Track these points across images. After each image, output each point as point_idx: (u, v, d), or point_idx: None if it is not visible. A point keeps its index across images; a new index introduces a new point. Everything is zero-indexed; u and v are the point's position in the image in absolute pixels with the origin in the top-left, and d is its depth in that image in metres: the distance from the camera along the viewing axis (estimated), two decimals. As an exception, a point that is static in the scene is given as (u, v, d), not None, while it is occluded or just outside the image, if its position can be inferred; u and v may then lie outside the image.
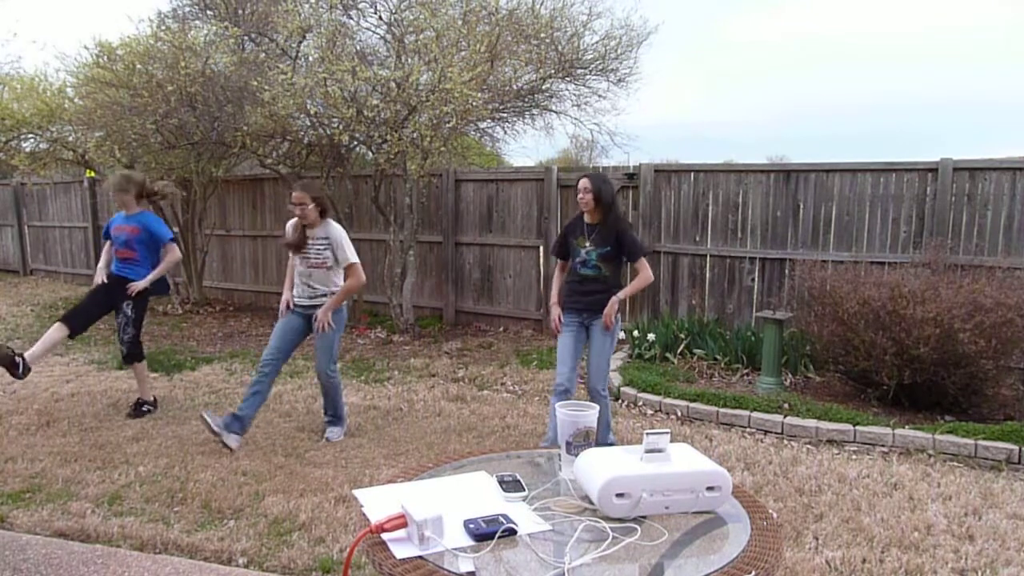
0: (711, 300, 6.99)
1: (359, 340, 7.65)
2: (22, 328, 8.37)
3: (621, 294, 4.12)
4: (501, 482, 1.86)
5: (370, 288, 8.90)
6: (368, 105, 6.67)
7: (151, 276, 4.89)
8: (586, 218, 4.22)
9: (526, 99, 8.74)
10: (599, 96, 9.03)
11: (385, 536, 1.59)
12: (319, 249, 4.37)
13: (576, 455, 1.90)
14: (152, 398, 5.15)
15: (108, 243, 5.04)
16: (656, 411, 5.24)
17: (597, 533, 1.63)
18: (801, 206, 6.53)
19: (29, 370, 4.62)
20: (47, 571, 2.95)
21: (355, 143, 7.72)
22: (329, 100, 6.72)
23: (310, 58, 7.80)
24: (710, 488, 1.75)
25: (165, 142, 7.98)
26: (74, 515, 3.44)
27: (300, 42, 7.83)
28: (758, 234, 6.74)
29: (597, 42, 8.51)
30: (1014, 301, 4.72)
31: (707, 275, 7.02)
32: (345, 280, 4.46)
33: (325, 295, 4.44)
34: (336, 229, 4.42)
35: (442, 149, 7.27)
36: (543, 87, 8.58)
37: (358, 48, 7.85)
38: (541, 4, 7.88)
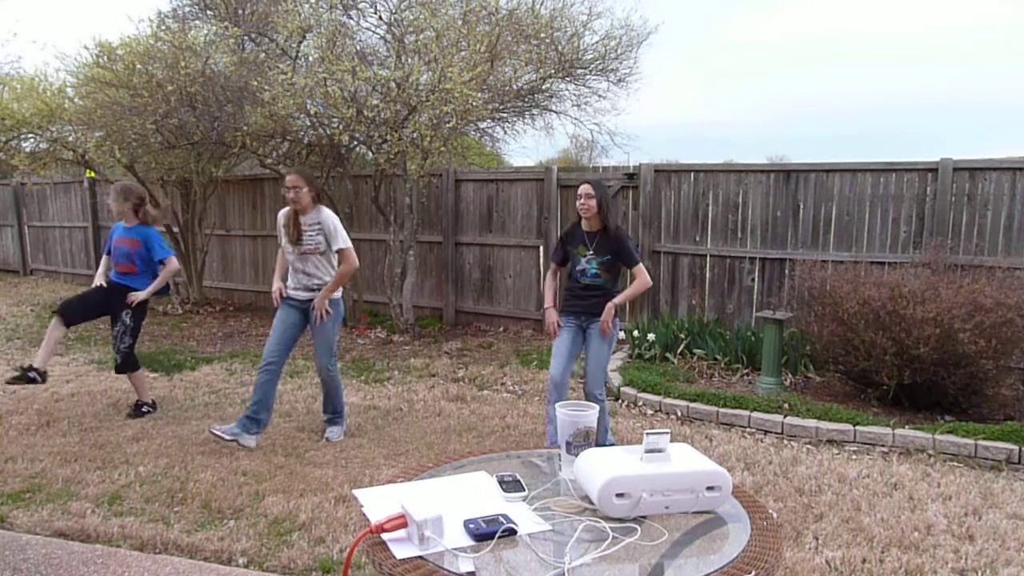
0: (711, 300, 6.99)
1: (359, 340, 7.65)
2: (22, 328, 8.38)
3: (618, 299, 4.11)
4: (501, 482, 1.86)
5: (370, 288, 8.91)
6: (368, 105, 6.67)
7: (151, 288, 4.88)
8: (584, 225, 4.19)
9: (526, 99, 8.74)
10: (599, 96, 9.03)
11: (385, 536, 1.59)
12: (311, 234, 4.36)
13: (576, 455, 1.90)
14: (151, 399, 5.15)
15: (107, 256, 5.03)
16: (656, 411, 5.24)
17: (597, 533, 1.63)
18: (801, 206, 6.53)
19: (46, 373, 4.78)
20: (47, 571, 2.95)
21: (355, 143, 7.72)
22: (329, 100, 6.72)
23: (310, 58, 7.80)
24: (710, 488, 1.75)
25: (165, 142, 7.98)
26: (74, 515, 3.44)
27: (300, 42, 7.82)
28: (758, 234, 6.74)
29: (597, 42, 8.51)
30: (1014, 301, 4.72)
31: (707, 275, 7.02)
32: (339, 266, 4.45)
33: (320, 286, 4.43)
34: (328, 214, 4.41)
35: (442, 149, 7.27)
36: (543, 87, 8.58)
37: (358, 48, 7.85)
38: (541, 4, 7.88)
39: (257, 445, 4.34)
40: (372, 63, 7.74)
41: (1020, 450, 4.21)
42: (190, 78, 7.12)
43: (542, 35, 7.64)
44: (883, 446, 4.49)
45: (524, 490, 1.83)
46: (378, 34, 8.11)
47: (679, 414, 5.13)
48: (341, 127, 6.99)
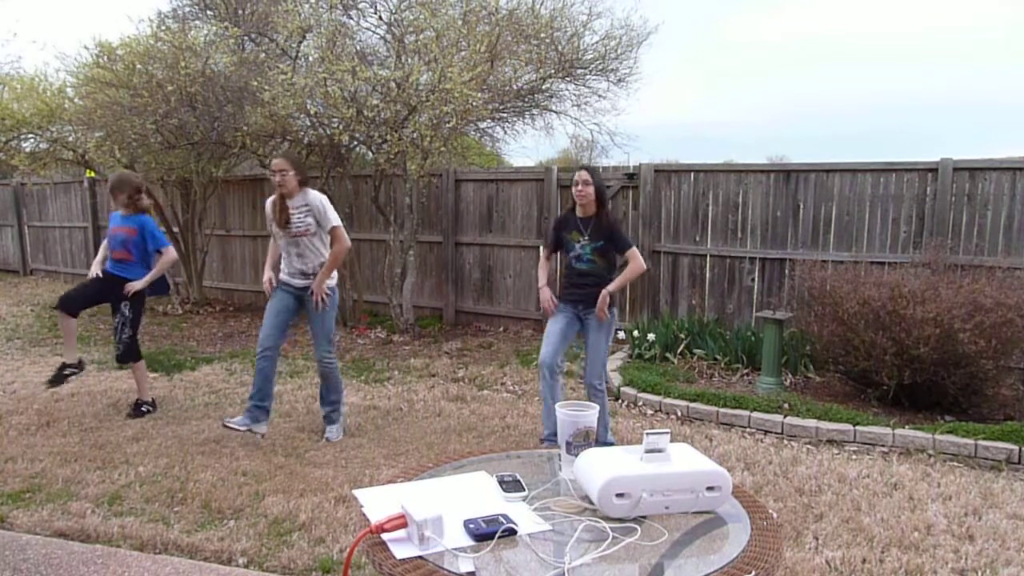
0: (711, 300, 6.99)
1: (359, 340, 7.65)
2: (22, 328, 8.38)
3: (612, 286, 4.11)
4: (501, 482, 1.86)
5: (370, 288, 8.91)
6: (368, 105, 6.67)
7: (148, 277, 4.90)
8: (578, 211, 4.21)
9: (526, 99, 8.74)
10: (599, 96, 9.04)
11: (385, 536, 1.59)
12: (300, 216, 4.35)
13: (576, 455, 1.90)
14: (150, 399, 5.15)
15: (105, 242, 5.06)
16: (656, 411, 5.24)
17: (597, 533, 1.63)
18: (801, 206, 6.53)
19: (80, 361, 5.03)
20: (47, 571, 2.95)
21: (355, 143, 7.72)
22: (329, 100, 6.72)
23: (310, 58, 7.80)
24: (710, 488, 1.75)
25: (165, 142, 7.98)
26: (74, 515, 3.44)
27: (300, 42, 7.83)
28: (758, 234, 6.74)
29: (597, 42, 8.52)
30: (1014, 301, 4.72)
31: (707, 275, 7.02)
32: (331, 247, 4.44)
33: (315, 269, 4.41)
34: (315, 195, 4.40)
35: (442, 149, 7.27)
36: (543, 87, 8.58)
37: (358, 48, 7.85)
38: (541, 4, 7.88)
39: (268, 428, 4.50)
40: (372, 63, 7.74)
41: (1020, 450, 4.21)
42: (190, 78, 7.12)
43: (542, 35, 7.64)
44: (883, 446, 4.49)
45: (524, 490, 1.83)
46: (378, 34, 8.12)
47: (679, 414, 5.13)
48: (341, 127, 6.99)
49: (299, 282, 4.44)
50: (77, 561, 3.03)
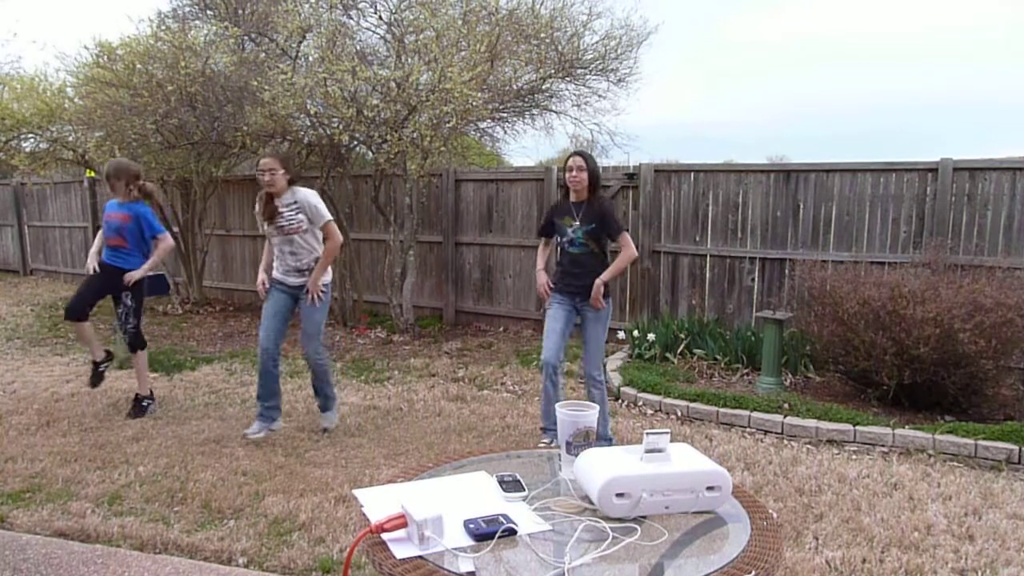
0: (711, 300, 6.99)
1: (359, 340, 7.65)
2: (22, 328, 8.38)
3: (605, 275, 4.10)
4: (501, 482, 1.86)
5: (370, 288, 8.90)
6: (368, 105, 6.67)
7: (147, 265, 4.91)
8: (572, 197, 4.21)
9: (526, 99, 8.74)
10: (599, 96, 9.04)
11: (385, 536, 1.59)
12: (291, 213, 4.31)
13: (576, 455, 1.90)
14: (149, 391, 5.16)
15: (101, 230, 5.07)
16: (656, 411, 5.24)
17: (597, 533, 1.63)
18: (801, 206, 6.53)
19: (107, 353, 5.16)
20: (47, 571, 2.95)
21: (355, 143, 7.72)
22: (329, 100, 6.72)
23: (310, 58, 7.80)
24: (710, 488, 1.75)
25: (165, 142, 7.98)
26: (74, 515, 3.44)
27: (300, 42, 7.83)
28: (758, 234, 6.74)
29: (597, 42, 8.52)
30: (1014, 301, 4.72)
31: (707, 275, 7.02)
32: (324, 243, 4.42)
33: (309, 266, 4.40)
34: (305, 192, 4.37)
35: (442, 149, 7.27)
36: (543, 87, 8.58)
37: (358, 48, 7.85)
38: (541, 4, 7.89)
39: (281, 424, 4.63)
40: (372, 63, 7.74)
41: (1020, 450, 4.21)
42: (190, 78, 7.12)
43: (542, 35, 7.64)
44: (883, 446, 4.49)
45: (524, 490, 1.83)
46: (378, 34, 8.12)
47: (679, 414, 5.13)
48: (341, 127, 6.99)
49: (293, 280, 4.43)
50: (77, 561, 3.03)
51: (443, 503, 1.72)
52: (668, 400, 5.23)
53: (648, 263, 7.25)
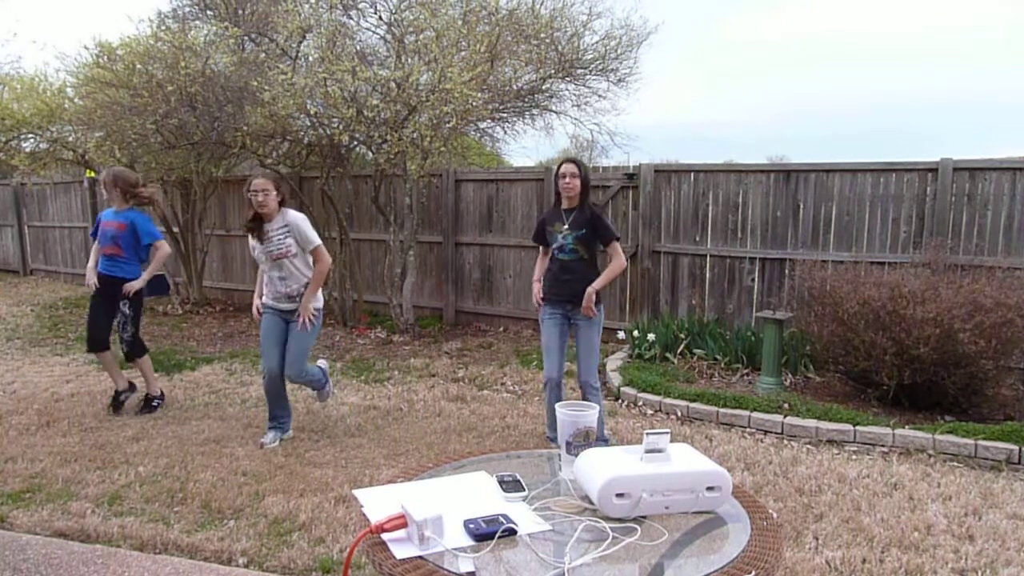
0: (711, 300, 6.99)
1: (359, 340, 7.65)
2: (22, 328, 8.38)
3: (597, 283, 4.10)
4: (501, 482, 1.86)
5: (370, 288, 8.91)
6: (368, 105, 6.67)
7: (145, 275, 4.94)
8: (563, 203, 4.22)
9: (526, 99, 8.74)
10: (599, 96, 9.04)
11: (385, 536, 1.59)
12: (280, 237, 4.27)
13: (576, 455, 1.90)
14: (159, 391, 5.21)
15: (96, 241, 5.06)
16: (656, 411, 5.24)
17: (597, 533, 1.63)
18: (801, 206, 6.53)
19: (126, 387, 5.16)
20: (47, 571, 2.95)
21: (355, 143, 7.72)
22: (329, 100, 6.72)
23: (310, 58, 7.80)
24: (710, 488, 1.75)
25: (165, 142, 7.98)
26: (74, 515, 3.44)
27: (300, 42, 7.83)
28: (758, 234, 6.74)
29: (597, 42, 8.52)
30: (1014, 301, 4.72)
31: (707, 275, 7.02)
32: (314, 266, 4.38)
33: (300, 293, 4.35)
34: (294, 214, 4.33)
35: (442, 149, 7.27)
36: (543, 87, 8.58)
37: (358, 48, 7.85)
38: (541, 4, 7.88)
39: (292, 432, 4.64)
40: (372, 63, 7.74)
41: (1020, 450, 4.21)
42: (190, 78, 7.12)
43: (542, 35, 7.64)
44: (883, 446, 4.49)
45: (524, 490, 1.83)
46: (378, 34, 8.12)
47: (679, 414, 5.13)
48: (341, 127, 6.99)
49: (285, 305, 4.38)
50: (77, 561, 3.03)
51: (443, 503, 1.72)
52: (668, 400, 5.23)
53: (648, 263, 7.25)
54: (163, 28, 8.30)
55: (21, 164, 9.54)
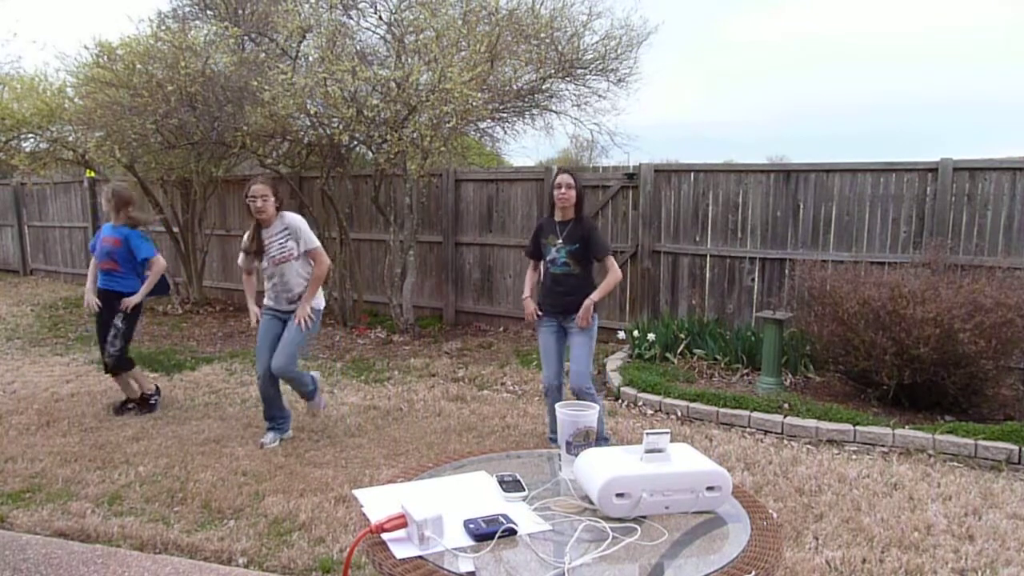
0: (711, 300, 6.99)
1: (359, 340, 7.65)
2: (22, 328, 8.38)
3: (595, 296, 4.09)
4: (501, 482, 1.86)
5: (370, 288, 8.91)
6: (368, 105, 6.67)
7: (142, 291, 4.95)
8: (557, 215, 4.21)
9: (526, 99, 8.74)
10: (599, 96, 9.03)
11: (385, 536, 1.59)
12: (282, 241, 4.28)
13: (576, 455, 1.90)
14: (153, 387, 5.20)
15: (93, 259, 5.11)
16: (656, 411, 5.24)
17: (597, 533, 1.63)
18: (801, 206, 6.53)
19: (151, 390, 5.19)
20: (47, 571, 2.95)
21: (355, 143, 7.72)
22: (329, 100, 6.72)
23: (310, 58, 7.80)
24: (710, 488, 1.75)
25: (165, 142, 7.99)
26: (74, 515, 3.44)
27: (300, 42, 7.83)
28: (758, 234, 6.74)
29: (597, 42, 8.51)
30: (1014, 301, 4.72)
31: (707, 275, 7.02)
32: (314, 269, 4.38)
33: (301, 295, 4.35)
34: (293, 217, 4.34)
35: (442, 149, 7.27)
36: (543, 87, 8.58)
37: (358, 48, 7.85)
38: (541, 4, 7.88)
39: (291, 433, 4.61)
40: (372, 63, 7.74)
41: (1020, 450, 4.21)
42: (190, 78, 7.12)
43: (542, 35, 7.64)
44: (883, 446, 4.49)
45: (524, 490, 1.83)
46: (378, 34, 8.12)
47: (679, 414, 5.13)
48: (341, 127, 6.99)
49: (286, 307, 4.38)
50: (77, 561, 3.03)
51: (443, 503, 1.72)
52: (668, 400, 5.23)
53: (648, 263, 7.25)
54: (163, 28, 8.30)
55: (21, 164, 9.53)
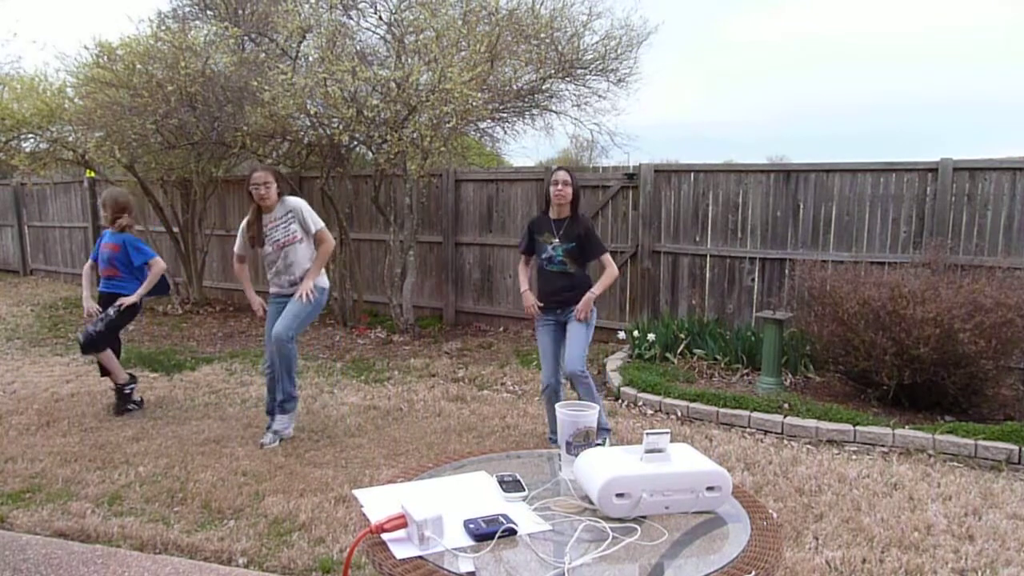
0: (711, 300, 6.99)
1: (359, 340, 7.65)
2: (22, 328, 8.38)
3: (596, 290, 4.11)
4: (501, 482, 1.86)
5: (370, 288, 8.91)
6: (368, 105, 6.67)
7: (141, 290, 4.98)
8: (553, 213, 4.21)
9: (526, 99, 8.74)
10: (599, 96, 9.04)
11: (385, 536, 1.59)
12: (286, 224, 4.31)
13: (576, 455, 1.90)
14: (127, 376, 5.12)
15: (88, 265, 5.17)
16: (656, 411, 5.24)
17: (597, 533, 1.63)
18: (801, 206, 6.53)
19: (127, 378, 5.13)
20: (47, 571, 2.95)
21: (355, 143, 7.72)
22: (329, 100, 6.72)
23: (310, 58, 7.80)
24: (710, 488, 1.75)
25: (165, 142, 7.98)
26: (74, 515, 3.44)
27: (300, 42, 7.83)
28: (758, 234, 6.73)
29: (597, 42, 8.52)
30: (1014, 301, 4.72)
31: (707, 275, 7.01)
32: (317, 248, 4.41)
33: (304, 276, 4.37)
34: (294, 200, 4.36)
35: (442, 149, 7.27)
36: (543, 87, 8.58)
37: (358, 48, 7.85)
38: (541, 4, 7.88)
39: (292, 431, 4.60)
40: (372, 63, 7.74)
41: (1020, 450, 4.21)
42: (190, 78, 7.12)
43: (542, 35, 7.64)
44: (883, 446, 4.49)
45: (524, 490, 1.83)
46: (378, 34, 8.12)
47: (679, 414, 5.13)
48: (341, 127, 6.99)
49: (290, 291, 4.40)
50: (77, 561, 3.03)
51: (443, 503, 1.72)
52: (668, 400, 5.23)
53: (648, 263, 7.25)
54: (163, 28, 8.30)
55: (21, 164, 9.53)
